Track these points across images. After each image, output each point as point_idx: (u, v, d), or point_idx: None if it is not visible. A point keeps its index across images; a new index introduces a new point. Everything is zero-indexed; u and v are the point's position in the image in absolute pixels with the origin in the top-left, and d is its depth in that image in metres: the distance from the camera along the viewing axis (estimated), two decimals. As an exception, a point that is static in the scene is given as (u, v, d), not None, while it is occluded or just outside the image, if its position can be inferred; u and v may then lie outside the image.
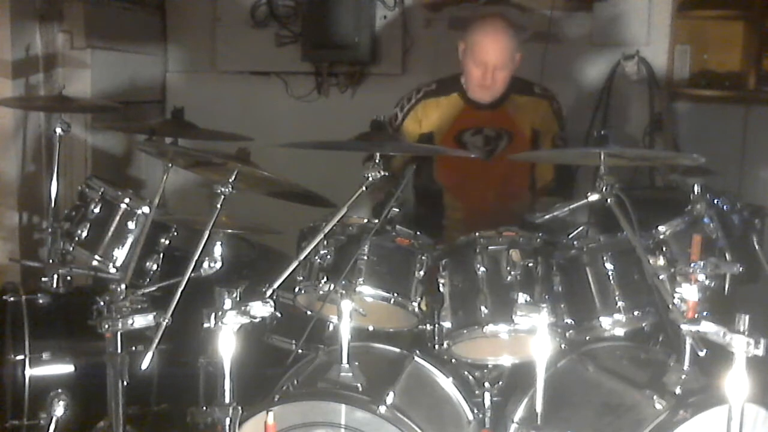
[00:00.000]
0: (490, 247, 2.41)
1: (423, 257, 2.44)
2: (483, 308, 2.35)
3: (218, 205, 2.23)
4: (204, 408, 2.06)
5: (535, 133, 3.36)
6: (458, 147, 3.33)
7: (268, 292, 2.14)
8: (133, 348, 2.28)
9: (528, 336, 2.22)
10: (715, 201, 2.54)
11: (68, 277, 2.95)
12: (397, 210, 2.42)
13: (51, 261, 2.97)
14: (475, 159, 3.17)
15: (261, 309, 2.02)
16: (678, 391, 2.16)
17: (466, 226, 3.34)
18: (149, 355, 2.12)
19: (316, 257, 2.40)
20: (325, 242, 2.39)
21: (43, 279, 2.94)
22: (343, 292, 2.28)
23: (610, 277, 2.39)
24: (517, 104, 3.34)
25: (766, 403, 2.10)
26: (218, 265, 2.51)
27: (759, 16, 3.81)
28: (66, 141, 3.25)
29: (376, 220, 2.40)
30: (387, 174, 2.29)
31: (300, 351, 2.61)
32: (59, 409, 2.44)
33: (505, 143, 3.32)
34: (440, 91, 3.38)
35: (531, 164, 3.39)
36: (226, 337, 1.98)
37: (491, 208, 3.33)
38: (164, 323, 2.14)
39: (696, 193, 2.43)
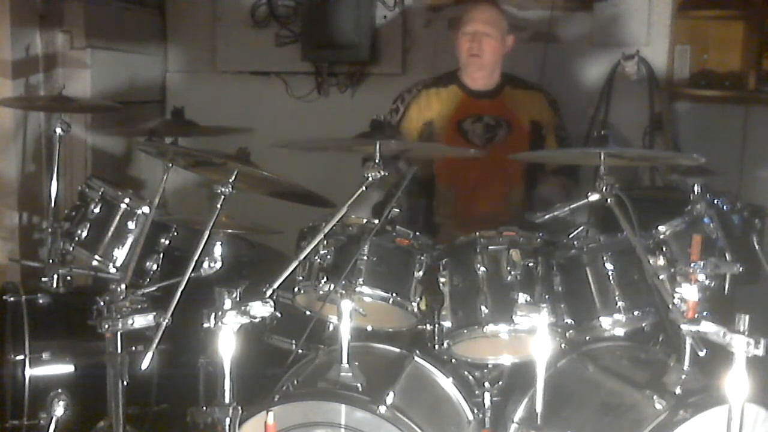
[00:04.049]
0: (490, 247, 2.41)
1: (422, 257, 2.45)
2: (483, 308, 2.35)
3: (218, 205, 2.22)
4: (204, 408, 2.07)
5: (534, 125, 3.47)
6: (459, 135, 3.43)
7: (268, 292, 2.14)
8: (133, 348, 2.27)
9: (528, 336, 2.23)
10: (715, 201, 2.54)
11: (68, 277, 2.94)
12: (398, 210, 2.42)
13: (51, 261, 2.96)
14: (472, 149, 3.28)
15: (261, 309, 2.02)
16: (678, 391, 2.16)
17: (458, 218, 3.37)
18: (149, 355, 2.12)
19: (316, 257, 2.40)
20: (325, 242, 2.39)
21: (43, 279, 2.93)
22: (343, 292, 2.28)
23: (610, 277, 2.39)
24: (513, 96, 3.47)
25: (766, 403, 2.10)
26: (218, 265, 2.51)
27: (759, 16, 3.81)
28: (66, 141, 3.25)
29: (376, 220, 2.40)
30: (387, 174, 2.30)
31: (300, 351, 2.61)
32: (59, 409, 2.43)
33: (505, 132, 3.43)
34: (439, 83, 3.52)
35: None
36: (226, 337, 1.98)
37: (484, 199, 3.39)
38: (164, 323, 2.14)
39: (696, 193, 2.43)
